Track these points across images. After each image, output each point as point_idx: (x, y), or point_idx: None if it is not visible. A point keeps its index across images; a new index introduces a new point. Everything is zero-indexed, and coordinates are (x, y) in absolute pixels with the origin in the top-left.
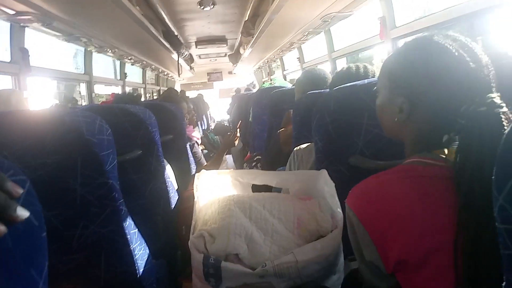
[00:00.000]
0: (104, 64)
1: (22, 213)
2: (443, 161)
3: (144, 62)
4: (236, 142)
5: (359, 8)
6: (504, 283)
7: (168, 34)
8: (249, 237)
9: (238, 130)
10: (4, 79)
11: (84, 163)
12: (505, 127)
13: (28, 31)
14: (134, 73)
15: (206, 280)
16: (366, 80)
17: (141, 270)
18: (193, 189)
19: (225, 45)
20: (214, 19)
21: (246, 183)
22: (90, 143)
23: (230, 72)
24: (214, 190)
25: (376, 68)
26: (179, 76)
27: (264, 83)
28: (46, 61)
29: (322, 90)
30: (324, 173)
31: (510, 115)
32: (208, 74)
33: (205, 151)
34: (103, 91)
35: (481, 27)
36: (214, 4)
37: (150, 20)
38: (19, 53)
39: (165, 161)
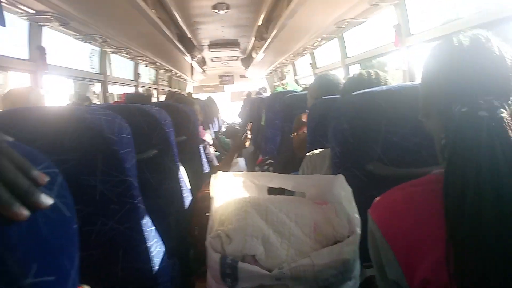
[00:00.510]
0: (117, 64)
1: (46, 200)
2: None
3: (158, 64)
4: (247, 144)
5: (374, 15)
6: None
7: (182, 37)
8: (266, 239)
9: (248, 131)
10: (22, 76)
11: (104, 160)
12: (491, 130)
13: (45, 30)
14: (145, 74)
15: (222, 280)
16: (384, 87)
17: (156, 268)
18: (206, 190)
19: (237, 48)
20: (228, 23)
21: (262, 186)
22: (111, 140)
23: (241, 76)
24: (230, 192)
25: (389, 75)
26: (192, 78)
27: (276, 88)
28: (62, 59)
29: (336, 96)
30: (341, 178)
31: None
32: (220, 77)
33: (217, 153)
34: (114, 90)
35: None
36: (228, 8)
37: (165, 23)
38: (37, 51)
39: (178, 161)
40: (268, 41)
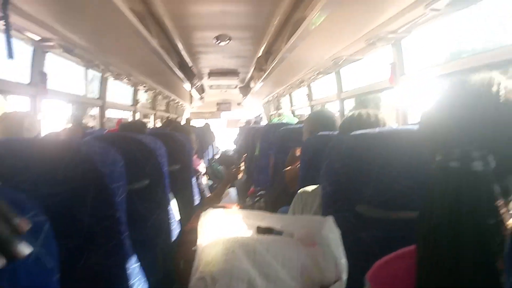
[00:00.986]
0: (114, 88)
1: (25, 250)
2: None
3: (157, 90)
4: (240, 176)
5: (370, 53)
6: None
7: (182, 65)
8: (252, 283)
9: (242, 163)
10: (20, 99)
11: (95, 194)
12: (460, 183)
13: (48, 55)
14: (143, 98)
15: None
16: (378, 129)
17: None
18: (195, 223)
19: (236, 78)
20: (229, 53)
21: (251, 224)
22: (104, 174)
23: (239, 104)
24: (219, 229)
25: (385, 114)
26: (190, 105)
27: (273, 118)
28: (60, 82)
29: (331, 133)
30: (330, 220)
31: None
32: (218, 104)
33: (210, 181)
34: (113, 114)
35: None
36: (230, 39)
37: (167, 51)
38: (38, 76)
39: (170, 192)
40: (267, 72)
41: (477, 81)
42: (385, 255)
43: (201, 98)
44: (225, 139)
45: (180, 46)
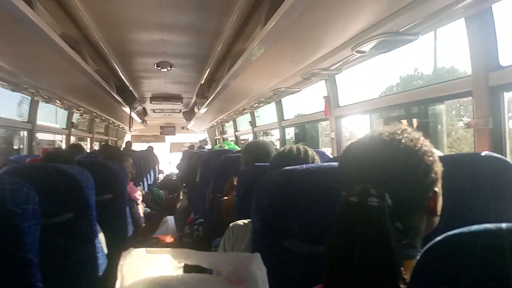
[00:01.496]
0: (46, 111)
1: None
2: None
3: (94, 114)
4: (178, 205)
5: (307, 86)
6: None
7: (122, 89)
8: None
9: (181, 192)
10: None
11: (2, 235)
12: (359, 216)
13: None
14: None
15: None
16: (304, 165)
17: None
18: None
19: (180, 103)
20: (171, 79)
21: (177, 263)
22: (13, 213)
23: (183, 127)
24: (142, 271)
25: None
26: (129, 129)
27: (215, 146)
28: None
29: (266, 164)
30: (257, 256)
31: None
32: (161, 127)
33: (147, 209)
34: (46, 137)
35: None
36: (171, 66)
37: (104, 75)
38: None
39: (97, 225)
40: (210, 99)
41: (389, 131)
42: None
43: (143, 121)
44: (169, 162)
45: (119, 71)
